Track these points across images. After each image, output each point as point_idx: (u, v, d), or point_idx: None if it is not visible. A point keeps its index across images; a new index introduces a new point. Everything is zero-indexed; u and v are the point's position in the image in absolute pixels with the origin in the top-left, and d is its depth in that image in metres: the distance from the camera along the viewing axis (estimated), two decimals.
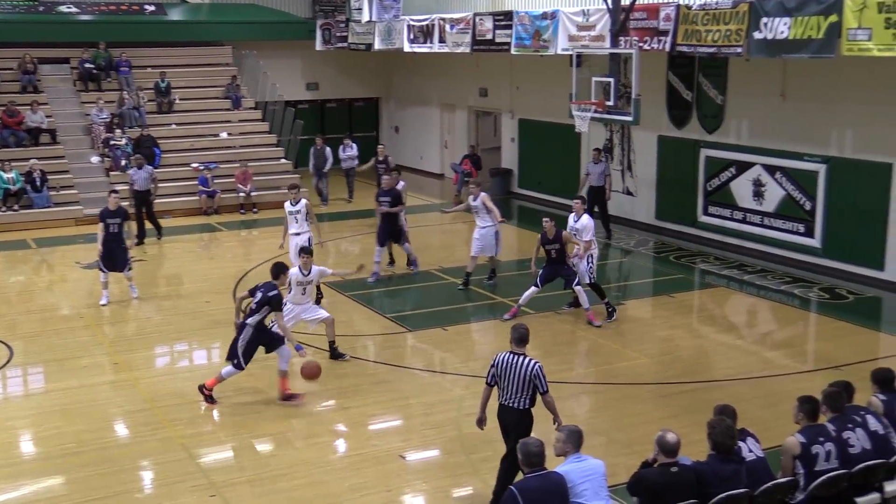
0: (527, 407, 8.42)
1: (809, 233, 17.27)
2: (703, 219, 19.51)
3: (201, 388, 11.29)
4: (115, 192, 16.46)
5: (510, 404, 8.45)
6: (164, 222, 21.35)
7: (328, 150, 24.55)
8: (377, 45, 25.50)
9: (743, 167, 18.47)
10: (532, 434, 7.85)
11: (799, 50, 14.36)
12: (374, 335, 14.09)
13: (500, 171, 25.81)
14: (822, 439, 7.50)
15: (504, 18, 20.80)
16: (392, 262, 17.54)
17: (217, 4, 29.65)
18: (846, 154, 16.59)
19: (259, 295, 10.99)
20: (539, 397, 8.41)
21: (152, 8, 27.76)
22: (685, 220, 19.92)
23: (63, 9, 26.83)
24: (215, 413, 11.27)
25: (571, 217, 14.56)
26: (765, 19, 14.76)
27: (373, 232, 17.56)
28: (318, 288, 12.94)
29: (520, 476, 7.39)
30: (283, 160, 25.72)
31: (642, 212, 21.08)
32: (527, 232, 20.87)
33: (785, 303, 15.62)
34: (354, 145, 25.49)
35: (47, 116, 24.20)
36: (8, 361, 12.95)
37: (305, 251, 12.66)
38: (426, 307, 15.71)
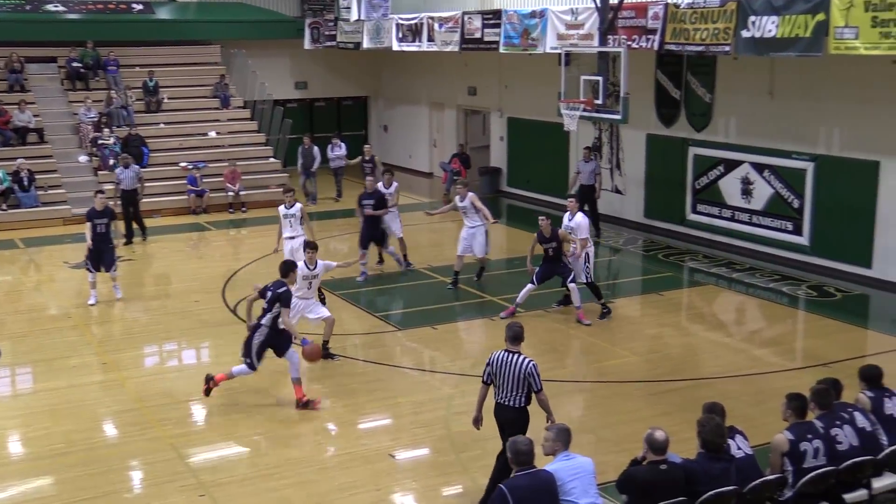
0: (522, 405, 8.43)
1: (797, 231, 17.33)
2: (692, 217, 19.56)
3: (209, 378, 11.20)
4: (102, 192, 16.40)
5: (506, 403, 8.46)
6: (152, 221, 21.33)
7: (316, 149, 24.53)
8: (366, 44, 25.47)
9: (731, 165, 18.52)
10: (528, 432, 7.86)
11: (786, 48, 14.41)
12: (364, 334, 14.08)
13: (489, 170, 25.83)
14: (810, 436, 7.54)
15: (493, 17, 20.81)
16: (381, 260, 17.53)
17: (205, 3, 29.60)
18: (834, 152, 16.65)
19: (269, 294, 11.01)
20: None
21: (140, 7, 27.67)
22: (674, 219, 19.97)
23: (50, 7, 26.72)
24: (204, 413, 11.25)
25: (566, 216, 14.58)
26: (752, 18, 14.80)
27: None
28: (320, 290, 12.92)
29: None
30: (271, 159, 25.69)
31: (631, 210, 21.11)
32: (516, 231, 20.90)
33: (773, 300, 15.68)
34: (343, 144, 25.48)
35: (35, 116, 24.10)
36: None
37: (310, 246, 12.66)
38: (415, 306, 15.72)
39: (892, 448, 7.90)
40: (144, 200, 20.78)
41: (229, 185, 23.58)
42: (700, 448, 7.19)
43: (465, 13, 21.76)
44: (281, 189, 23.96)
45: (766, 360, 12.84)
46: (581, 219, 14.44)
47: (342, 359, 12.77)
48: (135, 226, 20.16)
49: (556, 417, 8.43)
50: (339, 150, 25.18)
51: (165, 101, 26.04)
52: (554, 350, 13.27)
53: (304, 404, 11.05)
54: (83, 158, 23.97)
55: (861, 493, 7.69)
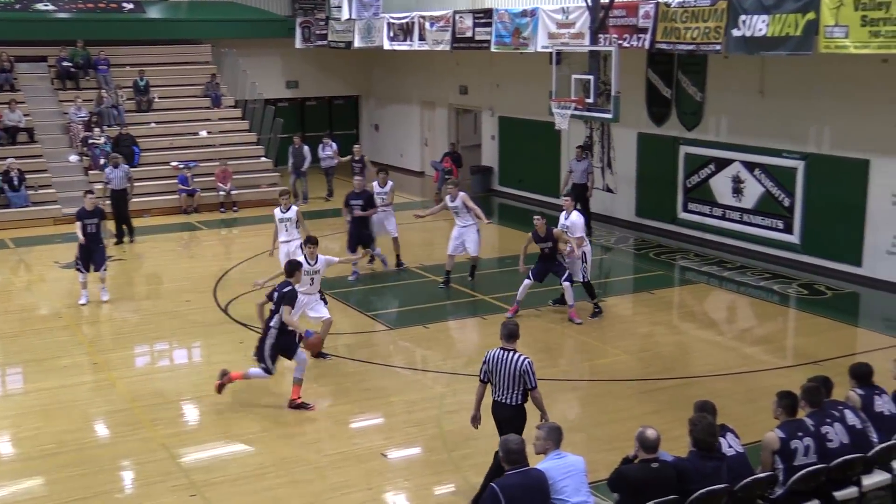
0: (519, 403, 8.46)
1: (788, 229, 17.37)
2: (683, 215, 19.59)
3: (224, 373, 11.10)
4: (91, 192, 16.33)
5: (503, 400, 8.49)
6: (143, 221, 21.28)
7: (306, 148, 24.50)
8: (357, 43, 25.45)
9: (722, 164, 18.56)
10: (525, 430, 7.87)
11: (777, 47, 14.45)
12: (356, 333, 14.08)
13: (481, 169, 25.83)
14: (800, 434, 7.56)
15: (484, 16, 20.82)
16: (372, 259, 17.51)
17: (196, 2, 29.53)
18: (824, 150, 16.70)
19: (276, 295, 11.01)
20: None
21: (131, 6, 27.60)
22: (665, 217, 20.00)
23: (40, 6, 26.64)
24: (196, 412, 11.24)
25: (562, 215, 14.61)
26: (743, 17, 14.84)
27: None
28: (321, 292, 12.88)
29: None
30: (262, 158, 25.66)
31: (622, 209, 21.14)
32: (507, 230, 20.91)
33: (764, 299, 15.71)
34: (334, 144, 25.45)
35: (25, 115, 24.01)
36: None
37: (311, 241, 12.63)
38: (407, 305, 15.72)
39: (883, 445, 7.93)
40: (135, 200, 20.73)
41: (220, 185, 23.54)
42: (691, 446, 7.20)
43: (456, 12, 21.76)
44: (272, 188, 24.29)
45: (757, 359, 12.88)
46: (577, 217, 14.47)
47: (334, 358, 12.76)
48: (123, 227, 20.10)
49: (549, 416, 8.44)
50: (329, 150, 25.16)
51: (156, 100, 25.97)
52: (546, 349, 13.28)
53: (297, 405, 11.04)
54: (73, 158, 23.90)
55: (851, 491, 7.71)
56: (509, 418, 8.43)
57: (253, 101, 27.38)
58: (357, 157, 22.03)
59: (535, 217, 14.26)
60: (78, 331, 14.39)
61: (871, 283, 15.99)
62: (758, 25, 14.62)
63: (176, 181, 23.58)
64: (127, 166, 20.68)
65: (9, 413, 11.23)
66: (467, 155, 25.95)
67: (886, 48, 13.07)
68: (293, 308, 11.08)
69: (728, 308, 15.81)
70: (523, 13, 19.46)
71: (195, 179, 23.63)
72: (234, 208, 23.54)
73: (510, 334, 8.58)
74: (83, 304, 15.32)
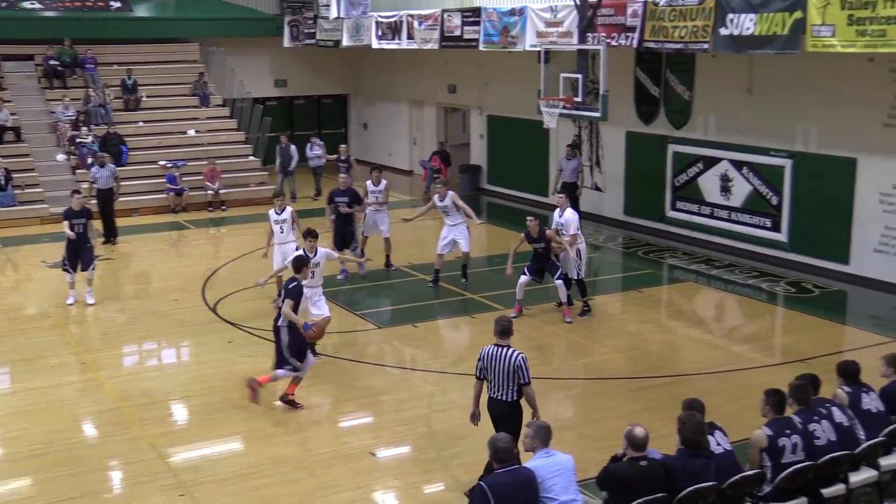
0: (514, 399, 8.48)
1: (776, 227, 17.43)
2: (671, 214, 19.63)
3: (252, 382, 10.86)
4: (78, 192, 16.23)
5: (498, 397, 8.52)
6: (131, 220, 21.19)
7: (293, 147, 24.44)
8: (345, 42, 25.41)
9: (710, 162, 18.60)
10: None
11: (764, 46, 14.50)
12: (345, 332, 14.06)
13: (470, 168, 25.84)
14: (788, 432, 7.57)
15: (472, 15, 20.82)
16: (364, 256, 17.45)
17: (184, 0, 29.42)
18: (812, 149, 16.76)
19: (283, 292, 10.98)
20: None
21: (118, 4, 27.50)
22: (653, 216, 20.04)
23: (27, 5, 26.51)
24: (184, 412, 11.22)
25: (556, 212, 14.62)
26: (731, 15, 14.88)
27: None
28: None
29: None
30: (251, 157, 25.60)
31: (611, 207, 21.17)
32: (496, 228, 20.91)
33: (752, 297, 15.76)
34: (322, 143, 25.41)
35: (12, 114, 23.89)
36: None
37: (310, 234, 12.56)
38: (396, 304, 15.71)
39: (870, 443, 7.95)
40: (123, 199, 20.67)
41: (209, 184, 23.48)
42: (680, 444, 7.21)
43: (444, 11, 21.75)
44: (260, 187, 24.26)
45: (745, 357, 12.92)
46: (571, 215, 14.48)
47: (322, 356, 12.74)
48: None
49: (540, 414, 8.45)
50: (317, 150, 25.12)
51: (144, 99, 25.90)
52: (538, 348, 13.28)
53: (289, 401, 11.01)
54: (61, 157, 23.80)
55: (839, 488, 7.73)
56: (505, 414, 8.47)
57: (241, 99, 27.31)
58: (343, 157, 21.99)
59: (529, 218, 14.26)
60: (65, 330, 14.33)
61: (858, 280, 16.05)
62: (745, 24, 14.66)
63: (164, 180, 23.51)
64: (114, 165, 20.59)
65: None
66: (456, 154, 25.95)
67: (873, 47, 13.12)
68: (297, 303, 11.01)
69: (716, 306, 15.85)
70: (511, 12, 19.47)
71: (183, 178, 23.56)
72: (223, 207, 23.49)
73: (503, 330, 8.61)
74: (71, 304, 15.26)
